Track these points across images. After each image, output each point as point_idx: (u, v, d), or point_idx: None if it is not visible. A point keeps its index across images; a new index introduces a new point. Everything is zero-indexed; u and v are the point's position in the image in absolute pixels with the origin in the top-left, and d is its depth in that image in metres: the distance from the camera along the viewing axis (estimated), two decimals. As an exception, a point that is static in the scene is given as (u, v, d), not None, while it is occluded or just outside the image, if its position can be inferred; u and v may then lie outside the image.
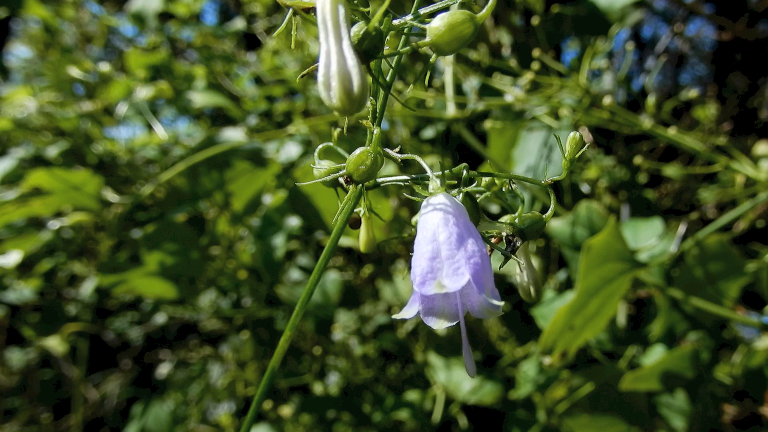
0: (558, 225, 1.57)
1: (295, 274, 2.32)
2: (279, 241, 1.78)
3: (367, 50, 0.57)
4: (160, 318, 2.62)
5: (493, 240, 0.68)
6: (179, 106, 1.94)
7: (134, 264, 1.58)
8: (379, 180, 0.71)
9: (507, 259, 0.67)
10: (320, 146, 0.73)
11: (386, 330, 2.16)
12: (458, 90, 1.81)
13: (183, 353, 2.66)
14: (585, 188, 1.96)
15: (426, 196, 0.61)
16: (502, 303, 0.54)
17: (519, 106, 1.64)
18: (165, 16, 2.34)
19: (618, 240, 1.31)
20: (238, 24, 2.37)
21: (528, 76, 1.48)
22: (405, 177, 0.69)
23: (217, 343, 2.72)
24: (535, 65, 1.50)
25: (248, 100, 2.22)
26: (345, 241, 2.25)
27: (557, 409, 1.50)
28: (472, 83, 1.83)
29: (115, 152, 1.94)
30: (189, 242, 1.60)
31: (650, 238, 1.49)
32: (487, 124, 1.62)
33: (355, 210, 0.78)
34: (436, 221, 0.57)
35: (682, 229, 1.42)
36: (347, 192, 0.70)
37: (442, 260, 0.54)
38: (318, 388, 2.02)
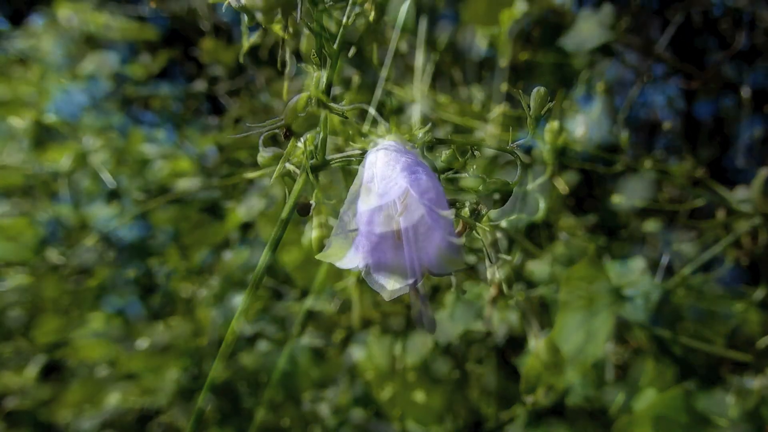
0: (537, 266, 1.49)
1: (262, 345, 2.18)
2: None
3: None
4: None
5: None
6: (134, 162, 1.83)
7: (79, 321, 1.44)
8: (329, 158, 0.63)
9: (472, 228, 0.58)
10: (266, 130, 0.65)
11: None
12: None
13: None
14: (563, 236, 1.88)
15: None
16: (461, 241, 0.44)
17: (492, 144, 1.59)
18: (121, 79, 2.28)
19: (599, 270, 1.22)
20: (199, 86, 2.32)
21: (498, 110, 1.44)
22: (357, 150, 0.61)
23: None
24: (503, 107, 1.47)
25: (208, 167, 2.13)
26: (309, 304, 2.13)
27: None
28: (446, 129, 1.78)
29: (65, 217, 1.82)
30: (138, 298, 1.47)
31: (633, 275, 1.41)
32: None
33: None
34: (382, 157, 0.48)
35: (665, 260, 1.34)
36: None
37: (391, 178, 0.45)
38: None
